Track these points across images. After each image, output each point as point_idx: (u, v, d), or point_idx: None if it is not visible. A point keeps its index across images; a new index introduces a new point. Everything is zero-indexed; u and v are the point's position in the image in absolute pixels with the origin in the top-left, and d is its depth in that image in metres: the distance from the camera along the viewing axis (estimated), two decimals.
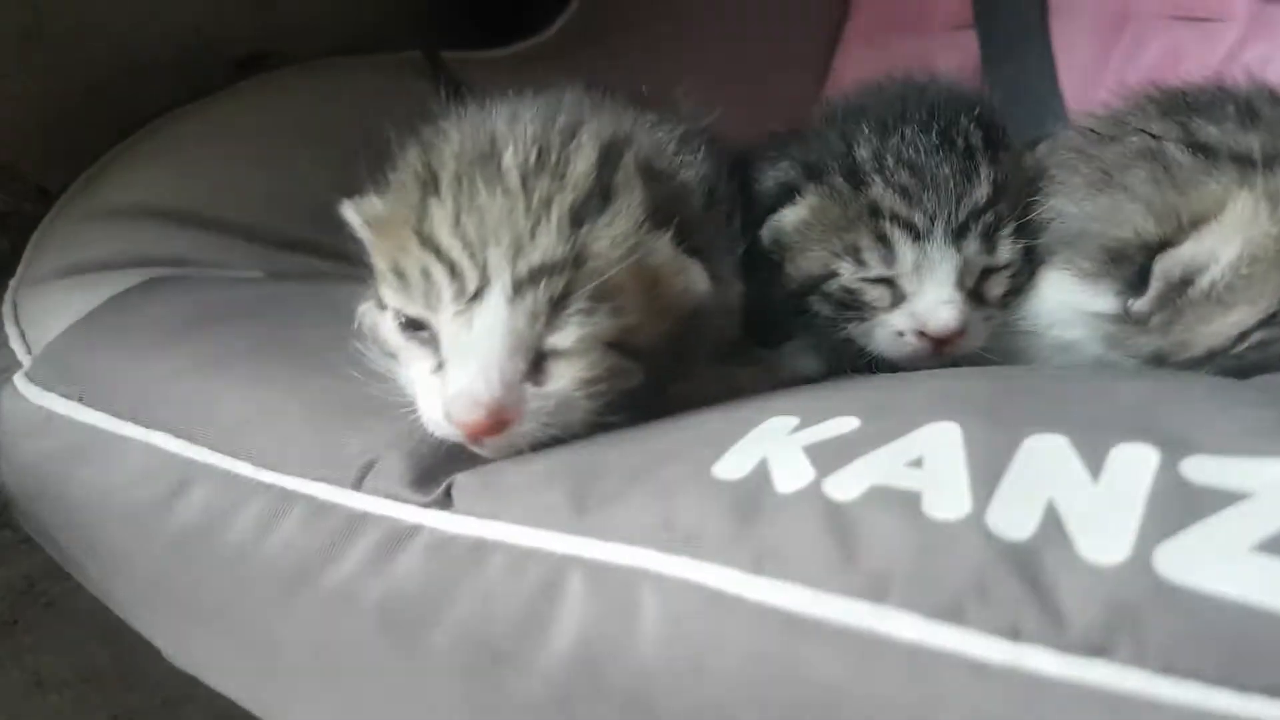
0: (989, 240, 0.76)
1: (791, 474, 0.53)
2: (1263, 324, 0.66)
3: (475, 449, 0.63)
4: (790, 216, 0.79)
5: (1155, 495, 0.46)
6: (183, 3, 1.26)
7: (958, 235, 0.75)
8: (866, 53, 1.68)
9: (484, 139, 0.67)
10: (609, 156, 0.66)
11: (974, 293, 0.77)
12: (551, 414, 0.62)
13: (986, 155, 0.76)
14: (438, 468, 0.62)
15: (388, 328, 0.67)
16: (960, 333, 0.75)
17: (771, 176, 0.82)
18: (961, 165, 0.75)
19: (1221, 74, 0.77)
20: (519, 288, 0.61)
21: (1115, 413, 0.55)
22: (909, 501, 0.49)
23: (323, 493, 0.63)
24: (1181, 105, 0.74)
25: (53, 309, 0.87)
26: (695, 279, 0.67)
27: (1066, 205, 0.75)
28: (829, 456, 0.53)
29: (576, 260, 0.61)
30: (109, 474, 0.73)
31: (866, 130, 0.78)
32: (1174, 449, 0.48)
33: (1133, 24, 1.49)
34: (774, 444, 0.56)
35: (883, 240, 0.76)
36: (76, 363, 0.80)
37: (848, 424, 0.56)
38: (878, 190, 0.76)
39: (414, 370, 0.65)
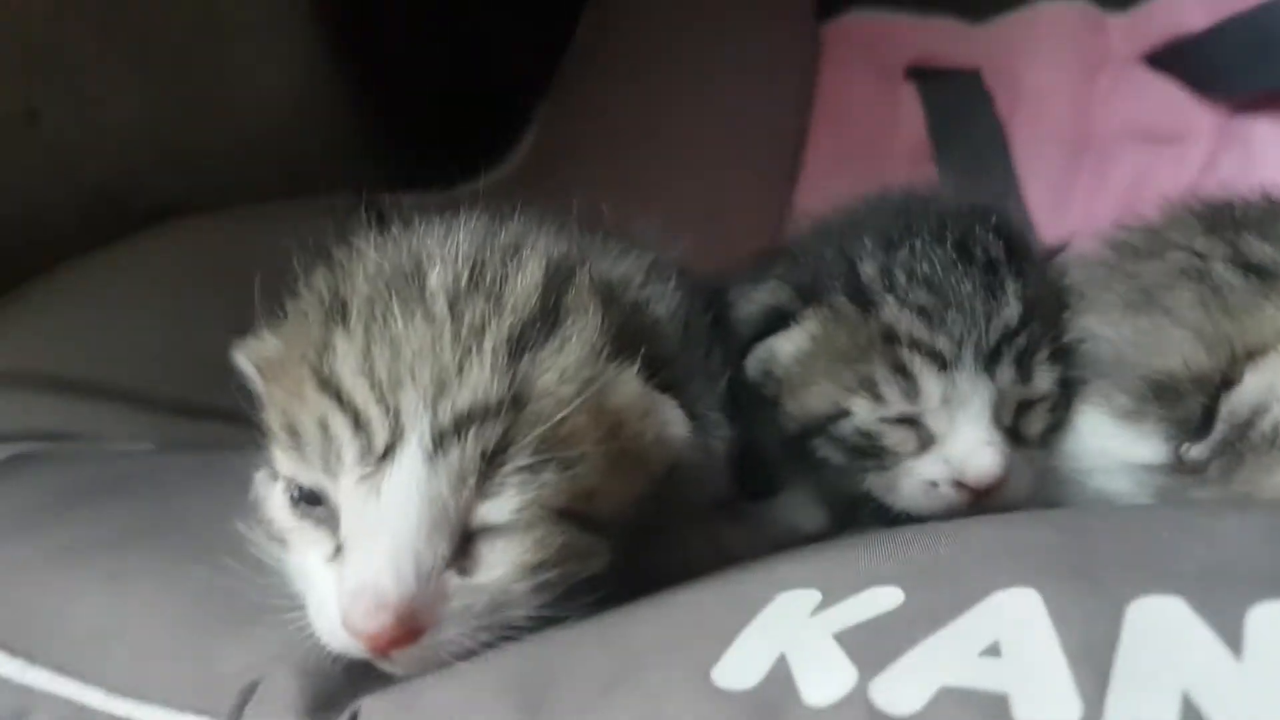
0: (1024, 367, 0.65)
1: (823, 676, 0.41)
2: None
3: (382, 665, 0.49)
4: (787, 345, 0.68)
5: None
6: (85, 159, 1.16)
7: (989, 362, 0.64)
8: (826, 186, 1.65)
9: (407, 258, 0.56)
10: (558, 274, 0.55)
11: (1011, 430, 0.66)
12: (481, 614, 0.49)
13: (1011, 269, 0.67)
14: (339, 688, 0.49)
15: (277, 503, 0.54)
16: (1003, 479, 0.63)
17: (755, 299, 0.71)
18: (985, 280, 0.65)
19: (1266, 188, 0.70)
20: (441, 440, 0.48)
21: (1232, 560, 0.44)
22: (994, 709, 0.37)
23: None
24: (1228, 220, 0.67)
25: None
26: (671, 421, 0.55)
27: (1100, 326, 0.67)
28: (872, 648, 0.41)
29: (516, 401, 0.49)
30: None
31: (869, 244, 0.68)
32: None
33: (1095, 146, 1.48)
34: (792, 632, 0.44)
35: (901, 371, 0.65)
36: None
37: (888, 597, 0.44)
38: (891, 312, 0.65)
39: (306, 559, 0.52)
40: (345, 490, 0.50)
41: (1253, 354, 0.60)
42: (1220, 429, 0.60)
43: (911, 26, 1.57)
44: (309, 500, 0.52)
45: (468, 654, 0.48)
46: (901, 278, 0.65)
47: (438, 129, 1.47)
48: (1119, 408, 0.64)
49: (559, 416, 0.49)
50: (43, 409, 0.84)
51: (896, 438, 0.66)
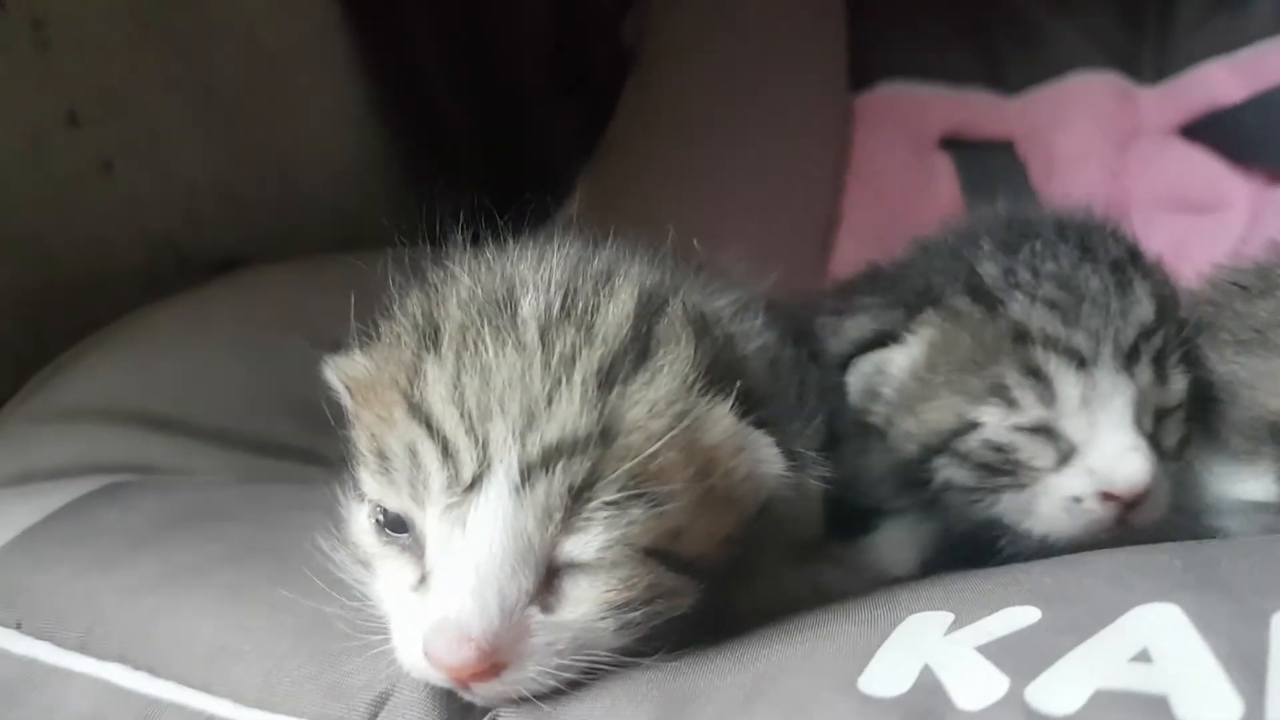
0: (1160, 369, 0.59)
1: (974, 683, 0.41)
2: None
3: (463, 694, 0.48)
4: (901, 359, 0.63)
5: None
6: (154, 209, 1.20)
7: (1128, 361, 0.58)
8: (860, 252, 1.66)
9: (500, 284, 0.54)
10: (650, 303, 0.53)
11: (1151, 439, 0.59)
12: (564, 652, 0.47)
13: (1137, 269, 0.61)
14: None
15: (361, 526, 0.53)
16: (1150, 490, 0.57)
17: (853, 328, 0.66)
18: (1115, 277, 0.60)
19: None
20: (528, 474, 0.47)
21: None
22: (1155, 708, 0.38)
23: None
24: None
25: None
26: (765, 459, 0.52)
27: (1213, 363, 0.64)
28: (1019, 658, 0.42)
29: (605, 435, 0.47)
30: (48, 718, 0.58)
31: (987, 246, 0.62)
32: None
33: (1131, 215, 1.47)
34: (933, 647, 0.44)
35: (1035, 373, 0.58)
36: (17, 582, 0.66)
37: (1024, 615, 0.45)
38: (1021, 308, 0.59)
39: (390, 585, 0.51)
40: (431, 520, 0.48)
41: None
42: None
43: (944, 99, 1.56)
44: (394, 527, 0.51)
45: (550, 691, 0.47)
46: (1027, 274, 0.60)
47: (485, 188, 1.50)
48: (1232, 446, 0.62)
49: (648, 452, 0.47)
50: (131, 444, 0.84)
51: (1032, 450, 0.59)
